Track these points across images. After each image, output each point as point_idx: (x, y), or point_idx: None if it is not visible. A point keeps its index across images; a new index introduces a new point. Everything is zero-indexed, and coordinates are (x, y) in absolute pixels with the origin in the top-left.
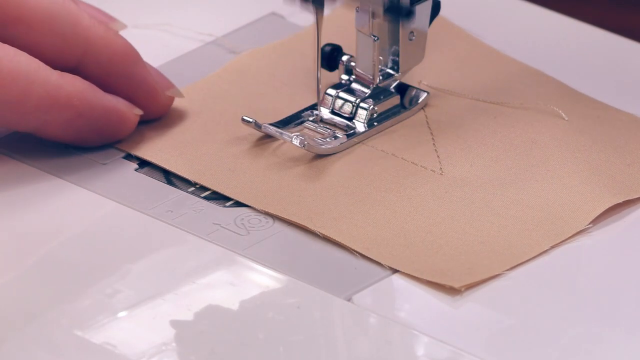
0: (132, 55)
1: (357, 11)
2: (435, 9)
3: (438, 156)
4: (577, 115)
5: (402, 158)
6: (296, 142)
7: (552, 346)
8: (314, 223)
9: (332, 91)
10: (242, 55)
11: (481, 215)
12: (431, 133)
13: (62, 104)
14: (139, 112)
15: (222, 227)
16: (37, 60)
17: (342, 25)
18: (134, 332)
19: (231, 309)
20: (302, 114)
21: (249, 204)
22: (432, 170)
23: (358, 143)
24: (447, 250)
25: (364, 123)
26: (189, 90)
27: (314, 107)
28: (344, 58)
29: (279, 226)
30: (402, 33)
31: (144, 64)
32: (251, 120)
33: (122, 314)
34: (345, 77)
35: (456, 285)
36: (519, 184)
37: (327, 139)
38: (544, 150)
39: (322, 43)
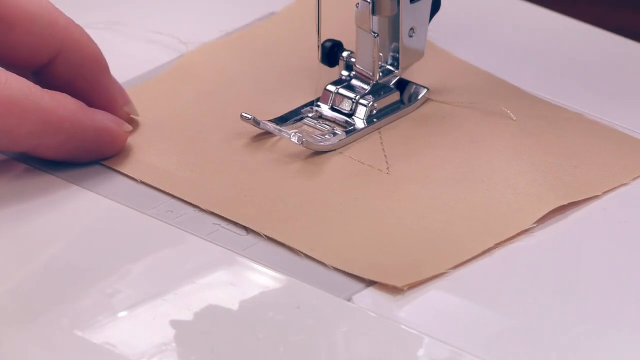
0: (101, 62)
1: (357, 7)
2: (435, 5)
3: (385, 155)
4: (525, 115)
5: (349, 157)
6: (294, 138)
7: (552, 346)
8: (260, 225)
9: (331, 87)
10: (191, 52)
11: (426, 214)
12: (379, 132)
13: (54, 128)
14: (129, 128)
15: (222, 227)
16: (26, 82)
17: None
18: (134, 332)
19: (231, 309)
20: (302, 110)
21: (194, 203)
22: (378, 169)
23: (357, 140)
24: (391, 249)
25: (363, 119)
26: (141, 89)
27: (311, 103)
28: (344, 54)
29: None
30: (402, 29)
31: (110, 75)
32: (250, 116)
33: (122, 314)
34: (345, 73)
35: (399, 284)
36: (465, 184)
37: (326, 136)
38: (490, 151)
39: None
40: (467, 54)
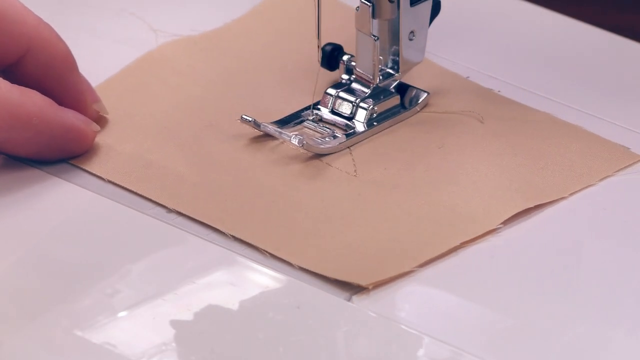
0: (69, 61)
1: (357, 10)
2: (436, 8)
3: (353, 159)
4: (494, 117)
5: (318, 159)
6: (295, 141)
7: (552, 346)
8: (226, 225)
9: (332, 91)
10: (160, 46)
11: (393, 216)
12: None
13: (23, 122)
14: (97, 128)
15: None
16: None
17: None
18: (134, 332)
19: (231, 309)
20: (302, 114)
21: (161, 203)
22: (346, 172)
23: (357, 143)
24: (357, 249)
25: (363, 123)
26: (109, 84)
27: (310, 107)
28: (345, 58)
29: None
30: (402, 33)
31: (79, 73)
32: (250, 119)
33: (122, 314)
34: (345, 76)
35: (363, 283)
36: (432, 187)
37: (326, 139)
38: (459, 154)
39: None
40: (468, 56)
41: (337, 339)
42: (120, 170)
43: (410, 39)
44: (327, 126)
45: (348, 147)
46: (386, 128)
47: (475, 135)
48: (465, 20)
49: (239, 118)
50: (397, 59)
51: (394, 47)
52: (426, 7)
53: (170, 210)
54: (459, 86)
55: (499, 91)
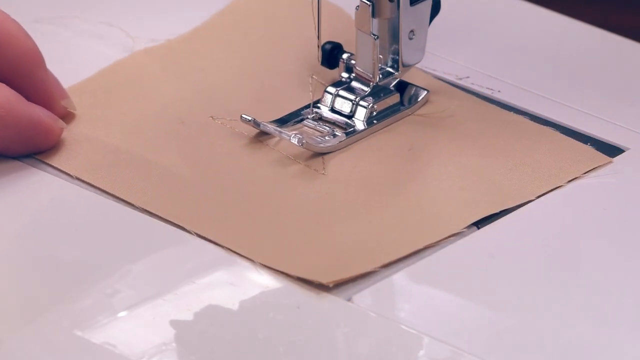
0: (37, 58)
1: (357, 9)
2: (436, 8)
3: (322, 158)
4: (463, 118)
5: (285, 155)
6: (294, 140)
7: (552, 346)
8: (192, 224)
9: (332, 89)
10: (135, 52)
11: (358, 215)
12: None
13: None
14: (63, 125)
15: None
16: None
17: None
18: (134, 332)
19: (231, 309)
20: (302, 112)
21: (128, 201)
22: (315, 170)
23: (357, 141)
24: (320, 247)
25: (363, 121)
26: (84, 85)
27: (310, 105)
28: (344, 56)
29: None
30: (402, 32)
31: (47, 70)
32: (250, 118)
33: (122, 314)
34: (345, 75)
35: (324, 281)
36: (399, 187)
37: (326, 137)
38: (427, 155)
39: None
40: (468, 56)
41: (337, 339)
42: (88, 167)
43: (410, 38)
44: (327, 125)
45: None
46: (386, 126)
47: (445, 136)
48: (465, 20)
49: (239, 118)
50: (397, 57)
51: (394, 46)
52: (426, 7)
53: (135, 208)
54: (425, 85)
55: (498, 91)
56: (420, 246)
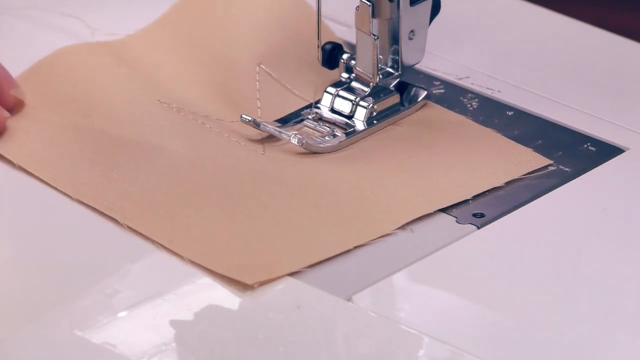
0: None
1: (357, 9)
2: (435, 8)
3: (264, 149)
4: (411, 119)
5: (227, 136)
6: (294, 140)
7: (552, 346)
8: (124, 215)
9: (332, 89)
10: (89, 41)
11: (294, 209)
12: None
13: None
14: (7, 115)
15: None
16: None
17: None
18: (134, 332)
19: (231, 309)
20: (302, 112)
21: (66, 192)
22: (254, 150)
23: (357, 141)
24: (251, 244)
25: (363, 121)
26: (33, 73)
27: (311, 105)
28: (345, 56)
29: None
30: (402, 32)
31: None
32: (249, 118)
33: (122, 314)
34: (345, 75)
35: (249, 281)
36: (335, 182)
37: (326, 138)
38: (368, 155)
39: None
40: (468, 56)
41: (337, 339)
42: (32, 157)
43: (410, 39)
44: (327, 125)
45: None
46: (386, 126)
47: (387, 136)
48: (465, 20)
49: (239, 118)
50: (397, 58)
51: (394, 46)
52: (426, 7)
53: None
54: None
55: (498, 91)
56: (350, 247)
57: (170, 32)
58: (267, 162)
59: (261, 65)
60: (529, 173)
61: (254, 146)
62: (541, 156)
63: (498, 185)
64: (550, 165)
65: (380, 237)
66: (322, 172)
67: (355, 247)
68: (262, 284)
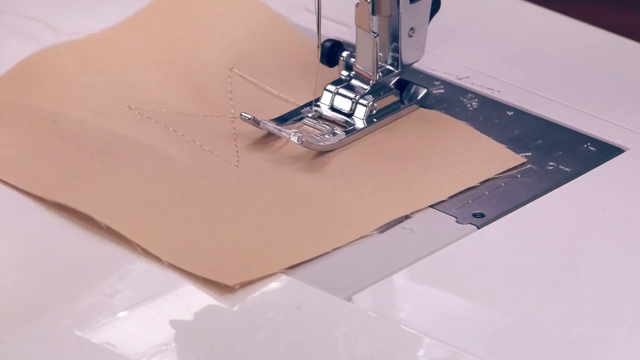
0: None
1: (356, 7)
2: (435, 5)
3: (236, 148)
4: (383, 123)
5: (200, 145)
6: (294, 138)
7: (552, 346)
8: (102, 214)
9: (331, 87)
10: (53, 45)
11: (269, 210)
12: (234, 129)
13: None
14: None
15: None
16: None
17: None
18: (134, 332)
19: (231, 309)
20: (301, 110)
21: (37, 194)
22: (227, 161)
23: (357, 139)
24: (229, 247)
25: (363, 119)
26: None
27: (311, 102)
28: (344, 54)
29: None
30: (402, 29)
31: None
32: (249, 116)
33: (122, 314)
34: (345, 73)
35: (230, 283)
36: (311, 185)
37: (326, 136)
38: (342, 156)
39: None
40: (468, 56)
41: (337, 339)
42: (4, 165)
43: (410, 36)
44: (327, 123)
45: (234, 139)
46: (386, 124)
47: (364, 138)
48: (465, 20)
49: (238, 116)
50: (397, 55)
51: (394, 43)
52: (426, 4)
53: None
54: None
55: (498, 91)
56: (328, 249)
57: (138, 33)
58: (241, 172)
59: (234, 70)
60: (503, 172)
61: (227, 157)
62: (515, 154)
63: (473, 185)
64: (524, 163)
65: (357, 239)
66: (297, 181)
67: (354, 247)
68: (243, 285)
